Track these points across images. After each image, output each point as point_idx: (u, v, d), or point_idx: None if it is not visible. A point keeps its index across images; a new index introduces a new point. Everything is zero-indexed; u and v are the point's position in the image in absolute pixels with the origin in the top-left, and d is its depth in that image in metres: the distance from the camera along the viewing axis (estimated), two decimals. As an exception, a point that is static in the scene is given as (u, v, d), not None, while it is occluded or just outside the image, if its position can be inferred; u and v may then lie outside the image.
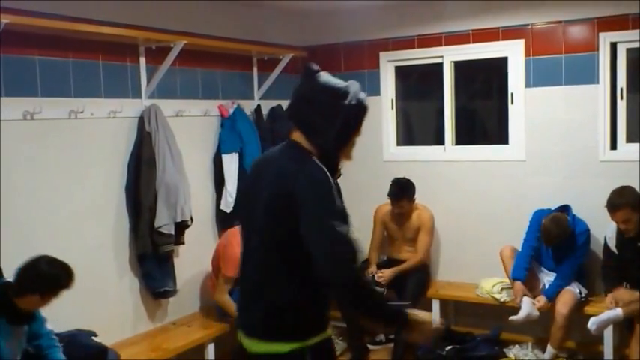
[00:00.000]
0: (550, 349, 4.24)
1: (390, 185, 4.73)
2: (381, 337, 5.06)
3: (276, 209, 2.06)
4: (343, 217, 2.02)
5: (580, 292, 4.30)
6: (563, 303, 4.22)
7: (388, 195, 4.71)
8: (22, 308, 2.94)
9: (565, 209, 4.41)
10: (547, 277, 4.44)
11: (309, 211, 1.99)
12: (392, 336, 4.82)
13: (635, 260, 3.99)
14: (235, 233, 4.20)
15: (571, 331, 4.29)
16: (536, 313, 4.25)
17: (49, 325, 3.20)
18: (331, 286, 2.03)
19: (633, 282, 4.06)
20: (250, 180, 2.28)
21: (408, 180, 4.75)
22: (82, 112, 3.72)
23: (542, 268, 4.50)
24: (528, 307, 4.24)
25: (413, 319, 2.13)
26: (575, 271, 4.32)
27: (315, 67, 2.18)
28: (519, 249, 4.51)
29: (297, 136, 2.18)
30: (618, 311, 3.93)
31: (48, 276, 2.93)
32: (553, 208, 4.42)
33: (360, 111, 2.15)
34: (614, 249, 4.09)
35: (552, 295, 4.28)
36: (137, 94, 4.09)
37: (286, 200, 2.02)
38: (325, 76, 2.16)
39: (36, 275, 2.91)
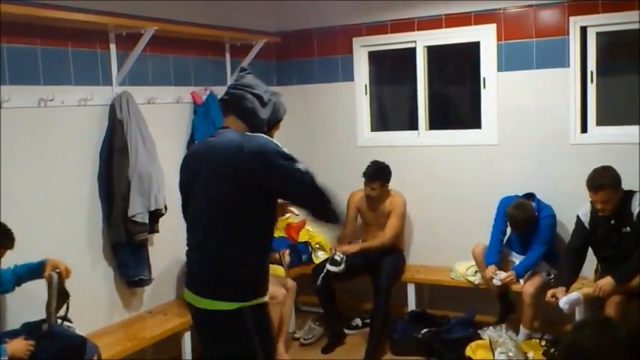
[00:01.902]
0: (523, 330, 4.31)
1: (368, 165, 4.74)
2: (357, 322, 5.09)
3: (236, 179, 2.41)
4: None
5: (549, 274, 4.39)
6: (530, 283, 4.31)
7: (363, 174, 4.73)
8: None
9: (530, 196, 4.49)
10: (518, 261, 4.51)
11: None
12: (368, 321, 4.85)
13: (607, 239, 4.05)
14: None
15: (540, 311, 4.35)
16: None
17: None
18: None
19: (605, 260, 4.12)
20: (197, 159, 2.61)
21: (387, 165, 4.77)
22: (51, 100, 3.66)
23: (513, 253, 4.57)
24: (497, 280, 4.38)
25: None
26: (542, 256, 4.40)
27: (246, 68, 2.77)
28: (489, 239, 4.57)
29: (231, 122, 2.60)
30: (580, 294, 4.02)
31: None
32: (520, 195, 4.50)
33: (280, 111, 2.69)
34: (587, 226, 4.15)
35: (521, 273, 4.36)
36: (108, 81, 4.03)
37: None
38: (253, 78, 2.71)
39: None
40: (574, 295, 4.01)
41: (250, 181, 2.39)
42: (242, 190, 2.41)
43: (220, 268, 2.47)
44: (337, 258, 4.63)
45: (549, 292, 4.06)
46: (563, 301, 4.01)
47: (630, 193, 4.00)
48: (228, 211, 2.43)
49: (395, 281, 4.75)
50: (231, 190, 2.42)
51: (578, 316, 4.22)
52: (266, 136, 2.53)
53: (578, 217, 4.16)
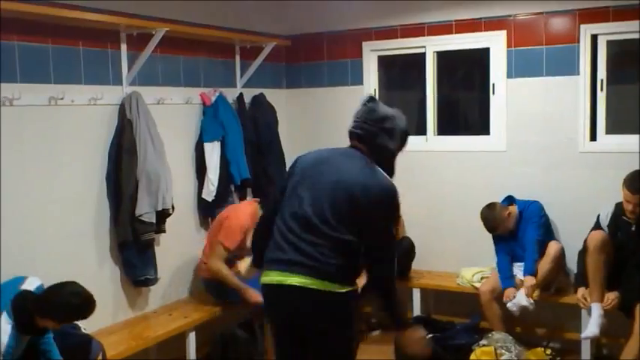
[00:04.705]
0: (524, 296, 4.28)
1: None
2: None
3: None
4: None
5: None
6: (554, 243, 4.37)
7: None
8: (37, 324, 3.00)
9: (510, 199, 4.55)
10: (520, 272, 4.44)
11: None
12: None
13: (626, 244, 4.01)
14: (241, 207, 4.38)
15: (561, 270, 4.40)
16: (531, 303, 4.26)
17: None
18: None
19: (621, 266, 4.08)
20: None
21: None
22: (62, 99, 3.67)
23: (515, 264, 4.51)
24: (522, 299, 4.27)
25: (408, 323, 2.83)
26: (540, 242, 4.37)
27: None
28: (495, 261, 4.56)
29: (361, 147, 2.78)
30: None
31: (72, 308, 3.01)
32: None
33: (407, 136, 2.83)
34: (606, 229, 4.11)
35: (531, 268, 4.32)
36: (118, 81, 4.04)
37: None
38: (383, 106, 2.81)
39: (60, 304, 2.98)
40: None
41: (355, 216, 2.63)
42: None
43: None
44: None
45: (579, 292, 4.10)
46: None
47: None
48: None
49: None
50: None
51: (584, 327, 4.19)
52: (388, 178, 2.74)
53: (598, 216, 4.14)
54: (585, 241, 4.14)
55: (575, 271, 4.31)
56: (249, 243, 4.24)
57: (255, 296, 4.08)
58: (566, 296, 4.36)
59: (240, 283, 4.16)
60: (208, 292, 4.41)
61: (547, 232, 4.48)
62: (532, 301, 4.26)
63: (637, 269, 3.92)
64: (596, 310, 3.95)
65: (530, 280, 4.29)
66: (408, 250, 4.88)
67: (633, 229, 3.99)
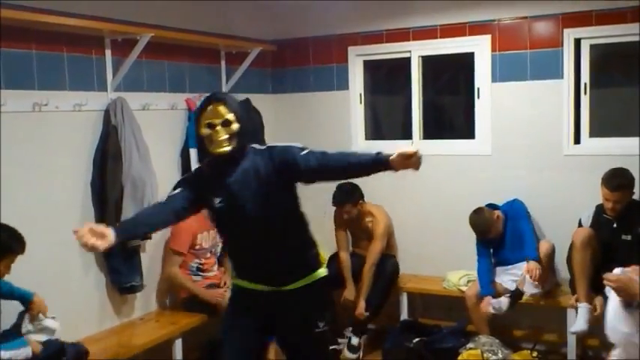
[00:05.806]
0: (530, 284, 4.25)
1: (334, 191, 4.68)
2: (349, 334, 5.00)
3: None
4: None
5: None
6: (545, 242, 4.39)
7: (332, 202, 4.72)
8: None
9: (492, 206, 4.54)
10: (507, 277, 4.45)
11: None
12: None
13: (608, 242, 4.05)
14: None
15: (553, 272, 4.42)
16: (536, 286, 4.25)
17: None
18: None
19: (604, 264, 4.11)
20: None
21: (352, 185, 4.65)
22: (46, 105, 3.65)
23: (499, 268, 4.52)
24: (505, 301, 4.28)
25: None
26: (533, 229, 4.40)
27: None
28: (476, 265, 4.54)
29: None
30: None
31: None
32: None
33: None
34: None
35: (534, 252, 4.26)
36: (103, 86, 4.03)
37: None
38: None
39: None
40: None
41: None
42: None
43: None
44: (354, 343, 4.60)
45: (573, 299, 4.08)
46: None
47: (635, 202, 4.02)
48: None
49: (389, 289, 4.75)
50: None
51: (569, 326, 4.22)
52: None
53: (580, 220, 4.17)
54: (569, 248, 4.17)
55: (562, 270, 4.37)
56: (205, 244, 4.29)
57: (215, 294, 4.21)
58: (551, 299, 4.38)
59: (198, 287, 4.27)
60: (192, 311, 4.32)
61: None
62: (537, 283, 4.21)
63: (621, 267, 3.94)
64: (584, 308, 3.97)
65: (534, 265, 4.18)
66: (394, 270, 4.84)
67: (615, 226, 4.03)
